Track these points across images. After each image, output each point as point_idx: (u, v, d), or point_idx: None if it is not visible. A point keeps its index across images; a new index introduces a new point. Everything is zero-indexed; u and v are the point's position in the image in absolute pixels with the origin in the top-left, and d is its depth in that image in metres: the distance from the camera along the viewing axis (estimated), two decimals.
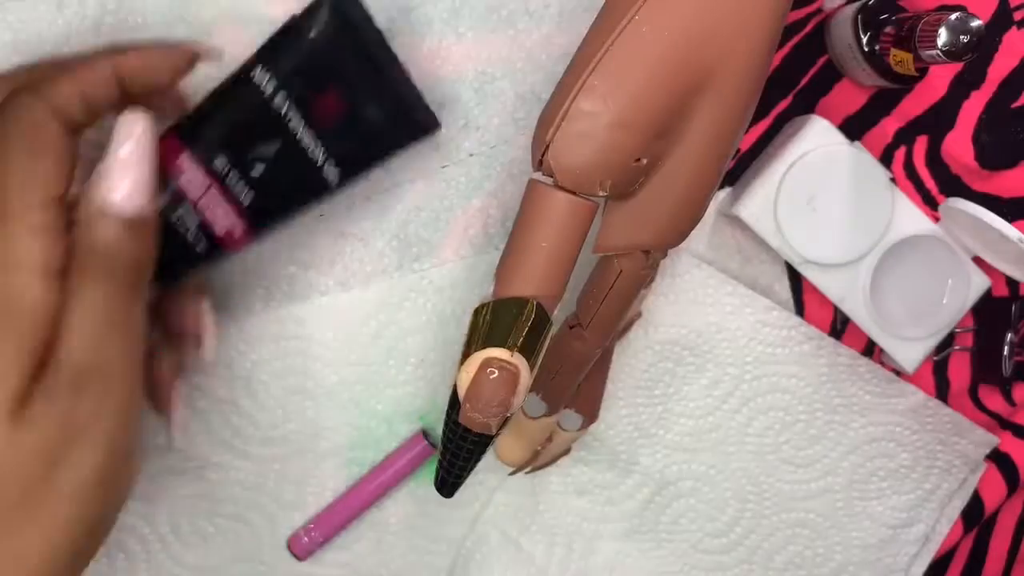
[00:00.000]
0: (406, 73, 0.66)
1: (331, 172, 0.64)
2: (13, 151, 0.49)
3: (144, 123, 0.52)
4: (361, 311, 0.77)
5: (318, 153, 0.63)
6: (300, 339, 0.77)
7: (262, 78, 0.61)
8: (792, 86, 0.80)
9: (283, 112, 0.61)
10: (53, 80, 0.52)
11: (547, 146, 0.50)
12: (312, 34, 0.61)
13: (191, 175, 0.60)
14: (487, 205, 0.77)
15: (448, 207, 0.77)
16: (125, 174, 0.50)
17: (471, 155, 0.76)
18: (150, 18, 0.71)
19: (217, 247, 0.63)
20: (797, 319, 0.81)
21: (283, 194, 0.63)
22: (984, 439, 0.85)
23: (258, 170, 0.61)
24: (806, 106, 0.81)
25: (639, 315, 0.78)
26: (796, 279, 0.82)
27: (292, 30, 0.62)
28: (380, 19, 0.70)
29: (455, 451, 0.54)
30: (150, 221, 0.52)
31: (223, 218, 0.61)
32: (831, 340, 0.81)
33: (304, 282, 0.76)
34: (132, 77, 0.56)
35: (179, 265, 0.62)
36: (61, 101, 0.52)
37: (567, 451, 0.76)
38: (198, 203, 0.60)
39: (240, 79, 0.62)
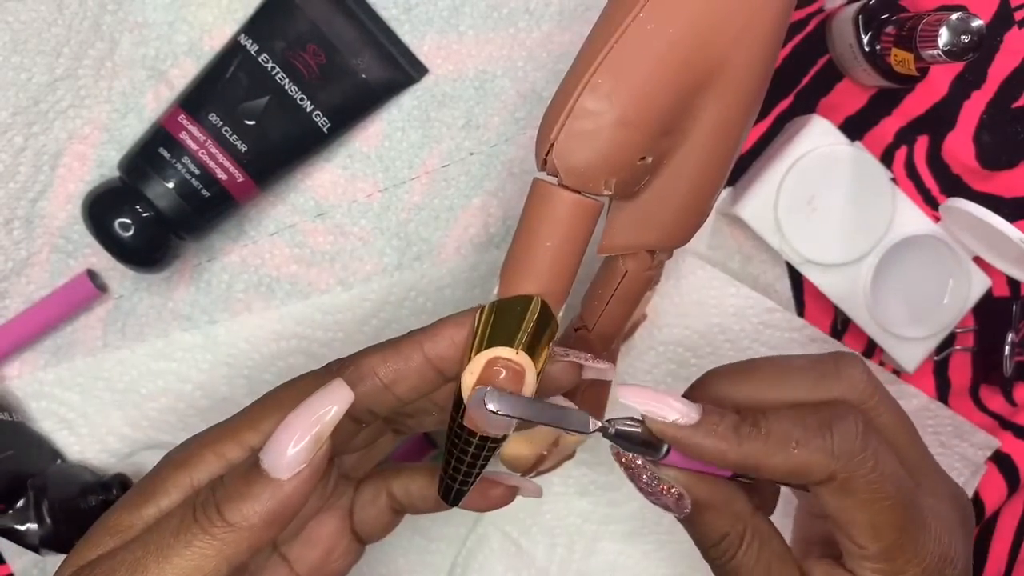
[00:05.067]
0: (387, 25, 0.73)
1: (321, 122, 0.70)
2: None
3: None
4: (361, 310, 0.77)
5: (306, 105, 0.69)
6: (301, 338, 0.77)
7: (246, 42, 0.69)
8: (793, 86, 0.80)
9: (268, 70, 0.69)
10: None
11: (551, 145, 0.50)
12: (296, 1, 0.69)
13: (189, 131, 0.68)
14: (487, 204, 0.77)
15: (449, 206, 0.77)
16: None
17: (472, 154, 0.76)
18: (150, 18, 0.71)
19: (224, 193, 0.69)
20: (800, 321, 0.80)
21: (277, 144, 0.70)
22: (985, 441, 0.85)
23: (249, 123, 0.68)
24: (807, 106, 0.81)
25: (644, 317, 0.78)
26: (796, 279, 0.82)
27: (275, 2, 0.70)
28: (382, 16, 0.71)
29: (459, 456, 0.52)
30: None
31: (223, 166, 0.68)
32: (834, 342, 0.81)
33: (305, 281, 0.76)
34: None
35: (191, 211, 0.69)
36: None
37: (572, 455, 0.76)
38: (197, 154, 0.67)
39: (229, 47, 0.70)
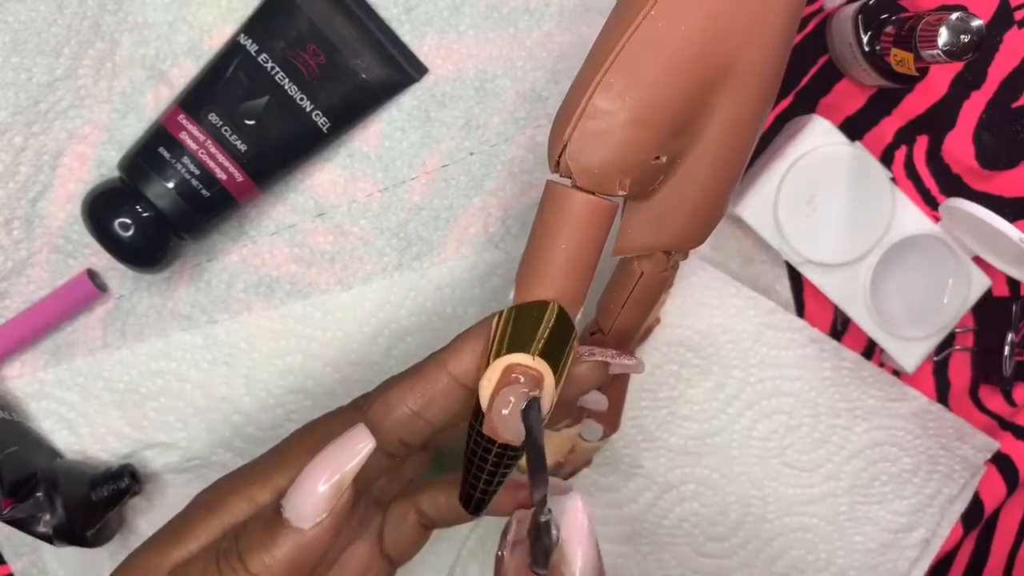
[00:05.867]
0: (386, 24, 0.72)
1: (321, 121, 0.70)
2: None
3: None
4: (361, 310, 0.77)
5: (306, 105, 0.69)
6: (300, 338, 0.76)
7: (246, 42, 0.68)
8: (792, 86, 0.80)
9: (268, 70, 0.68)
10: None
11: (564, 146, 0.49)
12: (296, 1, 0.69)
13: (189, 131, 0.67)
14: (487, 204, 0.77)
15: (448, 206, 0.76)
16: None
17: (471, 154, 0.76)
18: (150, 18, 0.71)
19: (224, 193, 0.69)
20: (801, 322, 0.81)
21: (277, 144, 0.69)
22: (985, 444, 0.85)
23: (249, 123, 0.68)
24: (806, 106, 0.81)
25: (658, 321, 0.78)
26: (796, 279, 0.82)
27: (275, 2, 0.69)
28: (382, 16, 0.71)
29: (480, 463, 0.52)
30: None
31: (222, 166, 0.68)
32: (834, 343, 0.81)
33: (305, 280, 0.76)
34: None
35: (191, 211, 0.69)
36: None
37: (589, 462, 0.76)
38: (197, 154, 0.67)
39: (229, 47, 0.69)
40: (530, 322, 0.49)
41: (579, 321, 0.52)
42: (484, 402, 0.49)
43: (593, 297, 0.57)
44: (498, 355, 0.49)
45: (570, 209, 0.50)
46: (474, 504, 0.55)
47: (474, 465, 0.52)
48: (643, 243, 0.55)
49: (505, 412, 0.48)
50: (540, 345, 0.49)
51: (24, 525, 0.69)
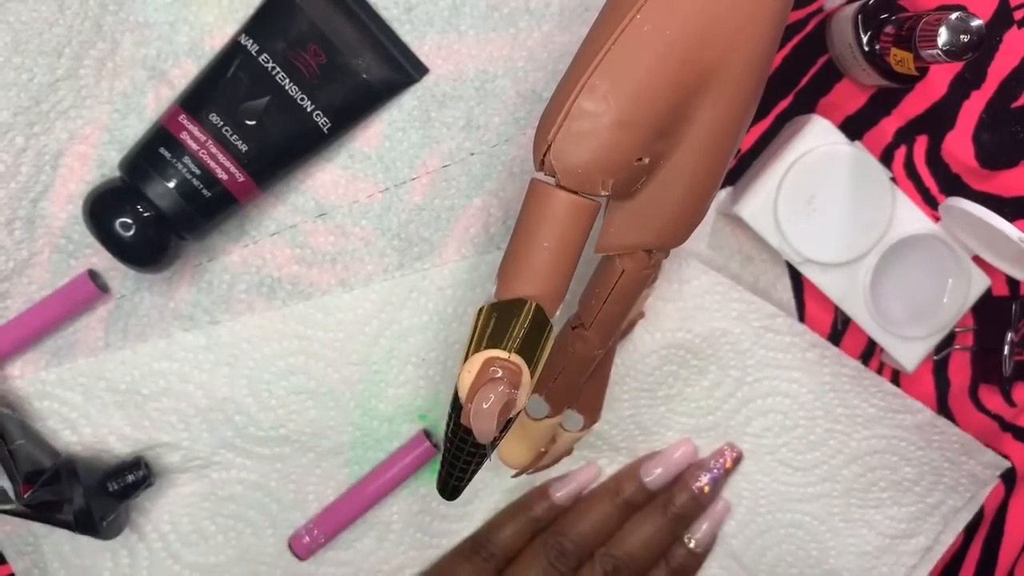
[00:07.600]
0: (387, 24, 0.73)
1: (322, 122, 0.70)
2: None
3: None
4: (363, 310, 0.77)
5: (306, 105, 0.69)
6: (302, 338, 0.77)
7: (247, 42, 0.68)
8: (792, 86, 0.80)
9: (269, 70, 0.68)
10: None
11: (549, 146, 0.50)
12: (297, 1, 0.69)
13: (190, 131, 0.67)
14: (488, 204, 0.77)
15: (449, 206, 0.77)
16: None
17: (472, 154, 0.76)
18: (151, 18, 0.71)
19: (225, 193, 0.69)
20: (801, 326, 0.80)
21: (278, 144, 0.69)
22: (994, 461, 0.85)
23: (250, 123, 0.68)
24: (806, 106, 0.81)
25: (641, 315, 0.78)
26: (797, 279, 0.82)
27: (276, 2, 0.69)
28: (382, 16, 0.71)
29: (457, 453, 0.53)
30: None
31: (223, 166, 0.68)
32: (836, 350, 0.81)
33: (306, 281, 0.76)
34: None
35: (192, 211, 0.69)
36: None
37: (569, 451, 0.76)
38: (198, 154, 0.67)
39: (229, 47, 0.69)
40: (508, 318, 0.50)
41: (560, 316, 0.53)
42: (463, 393, 0.50)
43: (576, 290, 0.58)
44: (478, 349, 0.50)
45: (553, 208, 0.51)
46: (451, 490, 0.57)
47: (451, 453, 0.54)
48: (625, 241, 0.55)
49: (485, 406, 0.49)
50: (515, 342, 0.50)
51: (46, 512, 0.70)
